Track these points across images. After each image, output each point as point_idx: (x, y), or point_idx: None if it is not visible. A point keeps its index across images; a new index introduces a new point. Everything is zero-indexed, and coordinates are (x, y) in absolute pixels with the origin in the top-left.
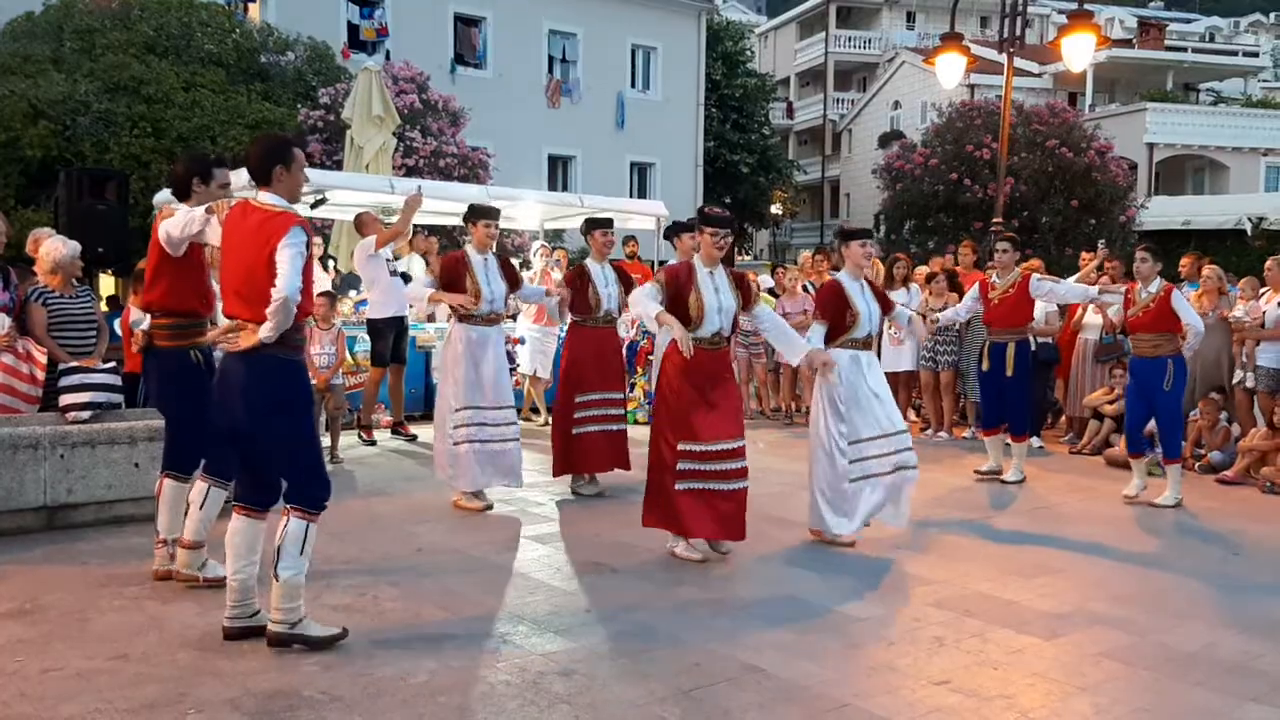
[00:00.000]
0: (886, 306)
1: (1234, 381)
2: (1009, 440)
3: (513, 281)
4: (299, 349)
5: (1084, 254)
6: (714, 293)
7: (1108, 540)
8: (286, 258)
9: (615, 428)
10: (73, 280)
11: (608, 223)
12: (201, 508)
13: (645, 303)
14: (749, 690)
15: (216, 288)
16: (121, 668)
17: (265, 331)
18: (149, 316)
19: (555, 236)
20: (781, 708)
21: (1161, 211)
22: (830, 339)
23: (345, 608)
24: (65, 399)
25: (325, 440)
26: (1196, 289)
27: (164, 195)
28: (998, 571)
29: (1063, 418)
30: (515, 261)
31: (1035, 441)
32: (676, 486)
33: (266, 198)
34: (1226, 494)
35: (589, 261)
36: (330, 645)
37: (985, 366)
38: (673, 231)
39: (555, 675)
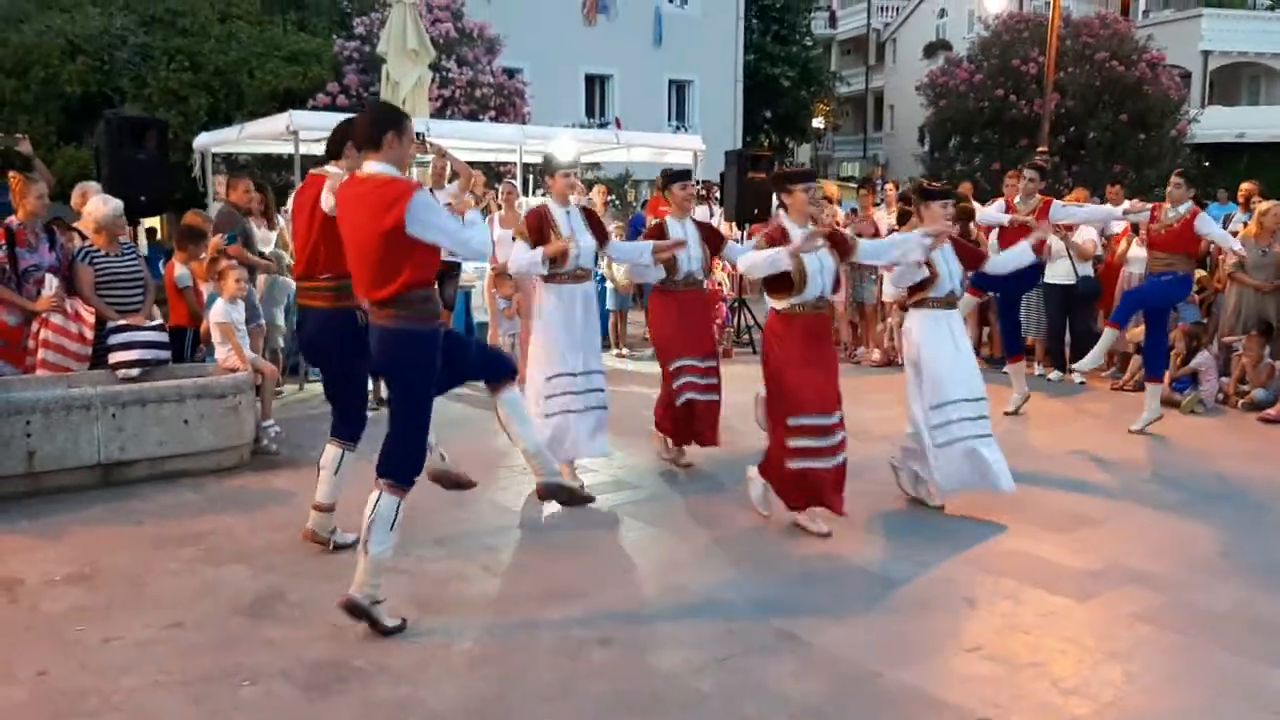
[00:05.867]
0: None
1: None
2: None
3: (601, 236)
4: (428, 319)
5: (1110, 188)
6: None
7: (1145, 487)
8: (431, 222)
9: (704, 398)
10: (118, 238)
11: (686, 175)
12: (336, 472)
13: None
14: (784, 659)
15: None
16: (178, 636)
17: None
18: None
19: (592, 167)
20: (814, 678)
21: (1215, 124)
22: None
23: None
24: (114, 356)
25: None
26: (1249, 220)
27: (204, 139)
28: (1032, 525)
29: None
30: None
31: (1055, 374)
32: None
33: (374, 166)
34: (1269, 434)
35: (669, 219)
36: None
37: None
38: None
39: (594, 644)
